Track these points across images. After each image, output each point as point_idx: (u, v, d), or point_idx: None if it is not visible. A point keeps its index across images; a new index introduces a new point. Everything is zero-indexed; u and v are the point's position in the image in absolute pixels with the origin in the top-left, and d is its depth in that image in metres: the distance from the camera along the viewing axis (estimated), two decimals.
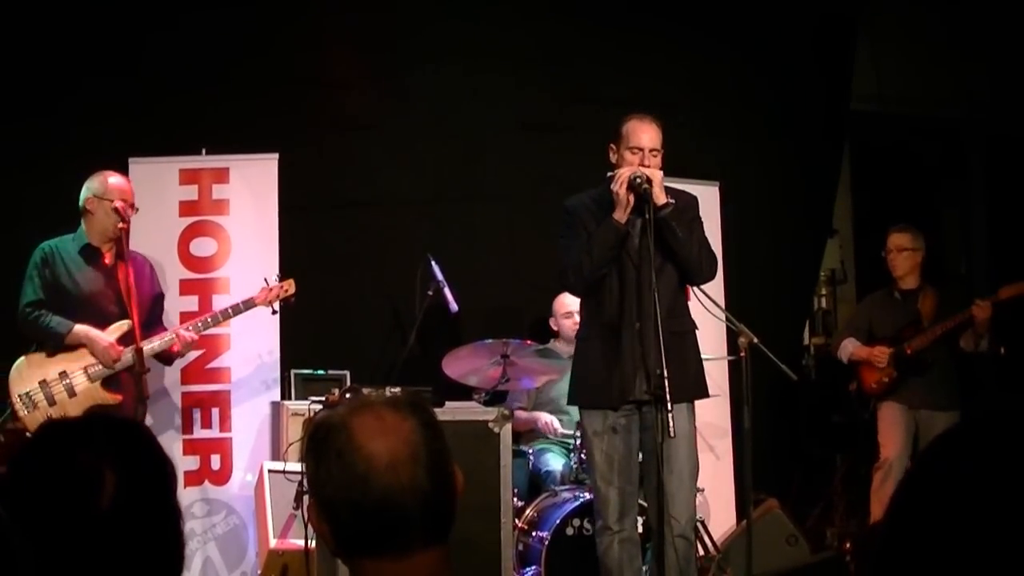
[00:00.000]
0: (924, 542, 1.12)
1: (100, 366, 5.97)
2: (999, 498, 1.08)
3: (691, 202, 5.42)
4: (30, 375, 5.94)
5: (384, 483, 1.89)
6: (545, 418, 6.96)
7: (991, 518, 1.08)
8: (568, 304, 7.23)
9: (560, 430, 6.91)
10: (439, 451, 1.96)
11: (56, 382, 5.93)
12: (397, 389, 5.63)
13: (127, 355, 5.95)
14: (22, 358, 5.98)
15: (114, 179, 6.12)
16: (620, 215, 5.09)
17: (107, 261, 6.13)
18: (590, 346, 5.36)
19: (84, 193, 6.10)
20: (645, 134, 5.23)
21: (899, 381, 7.17)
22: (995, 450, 1.13)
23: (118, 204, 6.02)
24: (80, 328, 5.96)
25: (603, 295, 5.25)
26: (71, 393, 5.94)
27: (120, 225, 5.97)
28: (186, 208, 6.92)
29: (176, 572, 1.88)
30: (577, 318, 7.06)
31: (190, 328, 6.22)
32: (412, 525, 1.92)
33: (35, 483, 1.81)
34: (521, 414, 6.97)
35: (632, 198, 5.06)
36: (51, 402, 5.90)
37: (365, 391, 5.58)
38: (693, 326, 5.40)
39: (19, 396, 5.89)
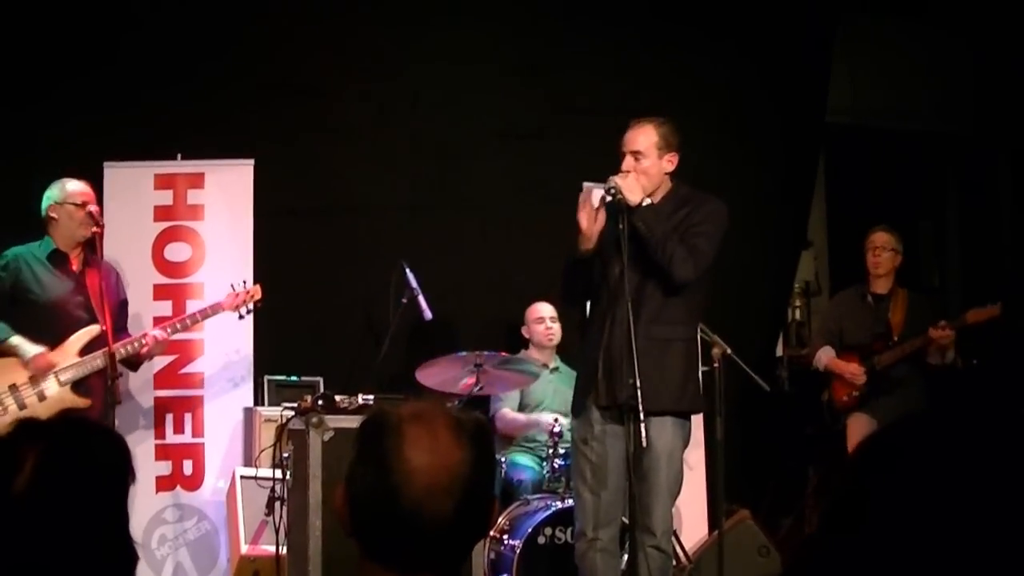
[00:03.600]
0: (853, 548, 1.14)
1: (71, 371, 5.95)
2: (925, 499, 1.10)
3: (696, 201, 5.37)
4: (0, 380, 5.92)
5: (411, 503, 1.86)
6: (548, 418, 6.75)
7: (916, 520, 1.09)
8: (539, 310, 7.25)
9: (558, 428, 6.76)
10: (479, 491, 1.92)
11: (27, 386, 5.92)
12: (371, 397, 5.64)
13: (66, 368, 5.94)
14: None
15: (72, 184, 6.14)
16: (584, 243, 5.11)
17: (74, 267, 6.14)
18: (584, 352, 5.38)
19: (45, 202, 6.12)
20: (636, 137, 5.24)
21: (869, 396, 7.20)
22: (919, 453, 1.14)
23: (92, 209, 6.04)
24: (14, 339, 5.94)
25: (596, 302, 5.27)
26: (41, 397, 5.92)
27: (94, 229, 5.97)
28: (161, 213, 6.90)
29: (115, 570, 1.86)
30: (548, 324, 7.15)
31: (165, 329, 6.23)
32: (424, 550, 1.90)
33: None
34: (518, 417, 6.96)
35: (598, 222, 5.06)
36: (21, 406, 5.87)
37: (337, 398, 5.59)
38: (685, 334, 5.28)
39: None
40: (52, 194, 6.12)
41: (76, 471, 1.85)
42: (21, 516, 1.75)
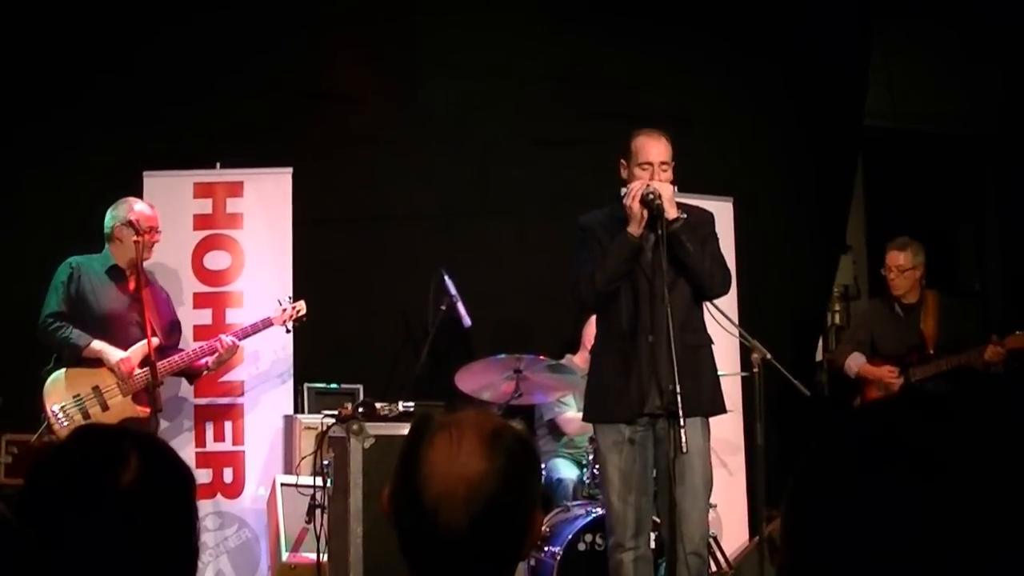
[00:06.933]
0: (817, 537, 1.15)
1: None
2: (884, 491, 1.10)
3: (706, 217, 5.42)
4: (65, 389, 6.04)
5: (427, 508, 1.87)
6: None
7: (876, 510, 1.10)
8: None
9: None
10: (504, 507, 1.89)
11: (90, 396, 6.05)
12: (411, 404, 5.64)
13: (141, 373, 6.08)
14: (57, 372, 6.06)
15: (139, 206, 6.27)
16: (634, 229, 5.10)
17: (131, 285, 6.23)
18: (604, 360, 5.34)
19: (110, 221, 6.24)
20: (654, 148, 5.24)
21: None
22: (875, 444, 1.14)
23: (132, 218, 6.12)
24: (97, 343, 6.07)
25: (617, 309, 5.24)
26: (104, 407, 6.06)
27: (134, 238, 6.04)
28: (200, 222, 6.95)
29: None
30: None
31: (226, 337, 6.39)
32: (439, 556, 1.90)
33: (64, 459, 1.86)
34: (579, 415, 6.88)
35: (645, 212, 5.06)
36: (85, 416, 6.01)
37: (378, 405, 5.60)
38: (708, 340, 5.37)
39: (53, 410, 5.98)
40: (117, 214, 6.24)
41: (174, 470, 1.90)
42: (126, 509, 1.79)
